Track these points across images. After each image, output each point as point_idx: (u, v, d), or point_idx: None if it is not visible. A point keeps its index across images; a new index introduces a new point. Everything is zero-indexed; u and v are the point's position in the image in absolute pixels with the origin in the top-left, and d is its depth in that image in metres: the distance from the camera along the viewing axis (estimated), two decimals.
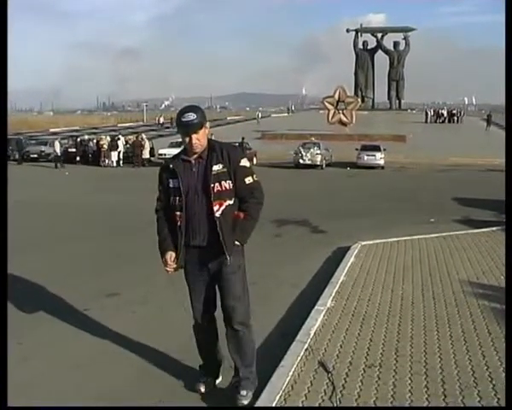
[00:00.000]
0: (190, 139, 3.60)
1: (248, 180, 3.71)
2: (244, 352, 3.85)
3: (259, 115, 74.39)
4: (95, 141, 30.52)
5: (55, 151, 28.05)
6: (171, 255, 3.75)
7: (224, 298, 3.79)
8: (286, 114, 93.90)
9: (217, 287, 3.85)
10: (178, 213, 3.68)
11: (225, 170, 3.64)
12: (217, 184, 3.61)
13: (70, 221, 12.53)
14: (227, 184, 3.64)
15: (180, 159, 3.75)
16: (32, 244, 9.54)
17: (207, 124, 3.68)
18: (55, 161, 27.73)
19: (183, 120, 3.57)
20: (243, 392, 3.80)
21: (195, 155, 3.68)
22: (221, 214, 3.62)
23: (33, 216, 13.24)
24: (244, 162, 3.72)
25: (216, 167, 3.62)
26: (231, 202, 3.67)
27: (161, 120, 66.94)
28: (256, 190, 3.76)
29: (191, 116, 3.56)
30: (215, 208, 3.61)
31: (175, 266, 3.76)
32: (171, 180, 3.72)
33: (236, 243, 3.69)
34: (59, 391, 4.11)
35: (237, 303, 3.76)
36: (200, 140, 3.62)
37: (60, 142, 28.93)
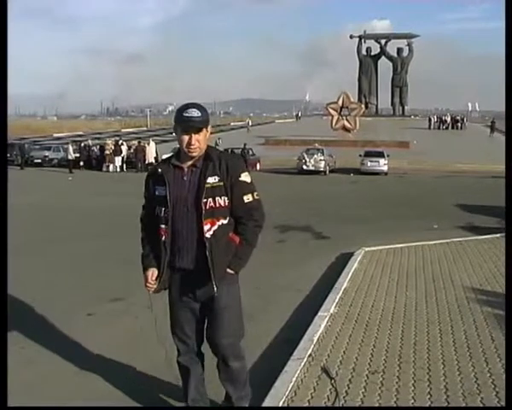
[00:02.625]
0: (190, 139, 3.12)
1: (247, 198, 3.23)
2: (238, 382, 3.50)
3: (250, 123, 65.25)
4: (98, 146, 30.81)
5: (70, 155, 28.70)
6: (152, 273, 3.34)
7: (215, 335, 3.34)
8: (293, 120, 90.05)
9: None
10: (163, 226, 3.24)
11: (221, 184, 3.17)
12: (210, 200, 3.15)
13: (73, 225, 12.55)
14: (222, 201, 3.18)
15: (171, 164, 3.26)
16: (34, 248, 9.56)
17: (209, 127, 3.25)
18: (68, 166, 28.37)
19: (185, 115, 3.11)
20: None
21: (189, 162, 3.21)
22: (212, 235, 3.16)
23: (35, 221, 13.27)
24: (244, 177, 3.23)
25: (211, 180, 3.15)
26: (225, 222, 3.21)
27: None
28: (256, 210, 3.28)
29: (195, 113, 3.10)
30: (206, 228, 3.14)
31: (155, 286, 3.33)
32: (157, 187, 3.25)
33: (229, 271, 3.24)
34: (60, 395, 4.11)
35: (232, 340, 3.35)
36: (200, 142, 3.15)
37: (73, 147, 29.60)
